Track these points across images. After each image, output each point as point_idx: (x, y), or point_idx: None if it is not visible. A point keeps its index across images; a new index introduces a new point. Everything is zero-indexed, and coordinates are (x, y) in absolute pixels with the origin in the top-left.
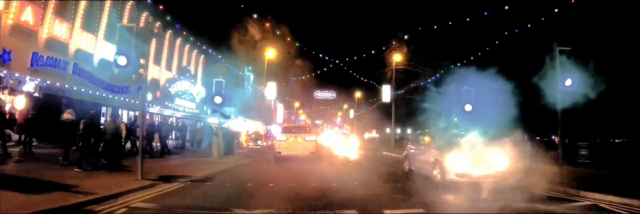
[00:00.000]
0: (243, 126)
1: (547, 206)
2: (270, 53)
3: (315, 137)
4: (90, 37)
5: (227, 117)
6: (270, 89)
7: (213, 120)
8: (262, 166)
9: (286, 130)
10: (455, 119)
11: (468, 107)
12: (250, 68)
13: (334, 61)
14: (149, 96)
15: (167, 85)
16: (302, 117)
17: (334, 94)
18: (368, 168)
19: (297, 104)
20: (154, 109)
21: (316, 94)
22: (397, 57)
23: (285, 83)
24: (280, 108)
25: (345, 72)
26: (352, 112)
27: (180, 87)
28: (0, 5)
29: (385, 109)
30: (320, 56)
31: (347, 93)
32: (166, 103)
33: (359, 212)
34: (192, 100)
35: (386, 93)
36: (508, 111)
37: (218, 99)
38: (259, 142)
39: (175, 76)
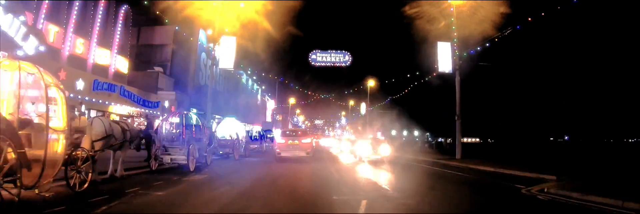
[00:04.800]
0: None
1: None
2: None
3: (311, 140)
4: None
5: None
6: (227, 50)
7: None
8: None
9: (284, 133)
10: None
11: None
12: (209, 33)
13: None
14: None
15: None
16: (301, 118)
17: (346, 57)
18: None
19: (293, 101)
20: None
21: (314, 57)
22: None
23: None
24: (270, 105)
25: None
26: (363, 107)
27: None
28: None
29: (399, 104)
30: None
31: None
32: None
33: None
34: None
35: (444, 55)
36: None
37: None
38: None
39: None
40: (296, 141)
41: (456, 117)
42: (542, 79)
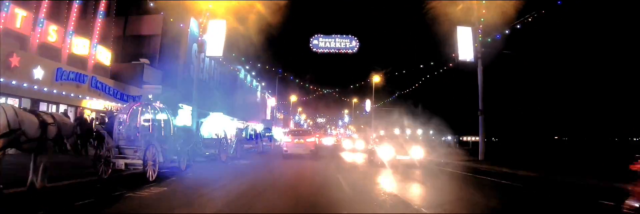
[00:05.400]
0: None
1: None
2: None
3: (314, 139)
4: None
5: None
6: (215, 36)
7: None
8: None
9: (291, 133)
10: None
11: None
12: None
13: None
14: None
15: None
16: (302, 116)
17: (353, 43)
18: None
19: (294, 99)
20: None
21: (315, 42)
22: None
23: None
24: (270, 103)
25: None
26: (368, 104)
27: None
28: None
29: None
30: None
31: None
32: None
33: None
34: None
35: (465, 42)
36: None
37: None
38: None
39: None
40: (301, 140)
41: (479, 113)
42: (549, 76)
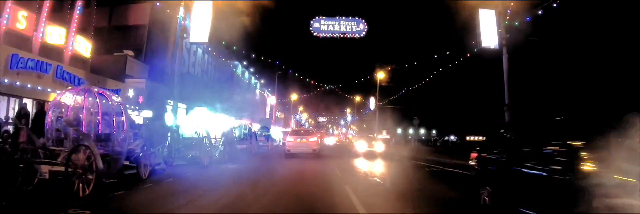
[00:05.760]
0: None
1: None
2: None
3: (317, 139)
4: None
5: None
6: (200, 19)
7: None
8: None
9: (294, 133)
10: None
11: None
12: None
13: None
14: None
15: None
16: (304, 116)
17: (361, 26)
18: None
19: (295, 97)
20: None
21: (316, 25)
22: None
23: None
24: (270, 101)
25: None
26: (372, 102)
27: None
28: None
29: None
30: None
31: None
32: None
33: None
34: None
35: (488, 26)
36: None
37: None
38: None
39: None
40: (304, 140)
41: (505, 108)
42: (553, 71)
